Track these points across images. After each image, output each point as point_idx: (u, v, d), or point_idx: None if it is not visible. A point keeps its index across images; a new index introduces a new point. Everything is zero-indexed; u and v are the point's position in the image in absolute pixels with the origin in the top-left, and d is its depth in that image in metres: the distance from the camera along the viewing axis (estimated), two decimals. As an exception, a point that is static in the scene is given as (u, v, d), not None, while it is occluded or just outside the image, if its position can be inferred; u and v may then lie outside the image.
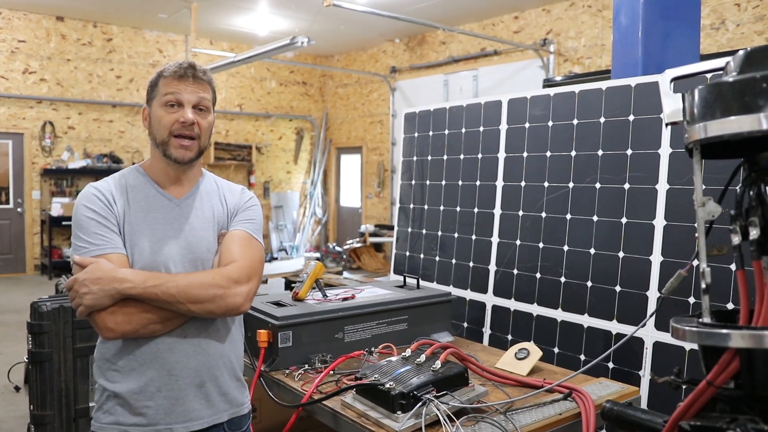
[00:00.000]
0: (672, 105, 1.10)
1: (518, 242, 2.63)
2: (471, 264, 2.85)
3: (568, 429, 1.68)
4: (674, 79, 1.17)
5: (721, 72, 1.04)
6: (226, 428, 1.58)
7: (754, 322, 0.91)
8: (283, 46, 6.82)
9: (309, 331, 2.08)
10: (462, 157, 2.97)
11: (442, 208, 3.06)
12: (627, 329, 2.15)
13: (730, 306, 1.89)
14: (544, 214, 2.53)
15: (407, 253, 3.25)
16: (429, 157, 3.17)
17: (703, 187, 1.03)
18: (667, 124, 1.13)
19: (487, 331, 2.72)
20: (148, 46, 10.23)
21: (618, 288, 2.23)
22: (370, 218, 11.07)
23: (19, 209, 9.41)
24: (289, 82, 11.92)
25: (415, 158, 3.27)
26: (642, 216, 2.19)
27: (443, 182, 3.07)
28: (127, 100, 10.03)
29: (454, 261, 2.95)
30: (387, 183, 10.75)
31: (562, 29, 8.06)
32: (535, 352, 2.05)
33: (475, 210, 2.86)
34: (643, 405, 2.05)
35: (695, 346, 1.06)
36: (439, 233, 3.06)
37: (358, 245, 8.43)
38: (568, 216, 2.44)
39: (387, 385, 1.57)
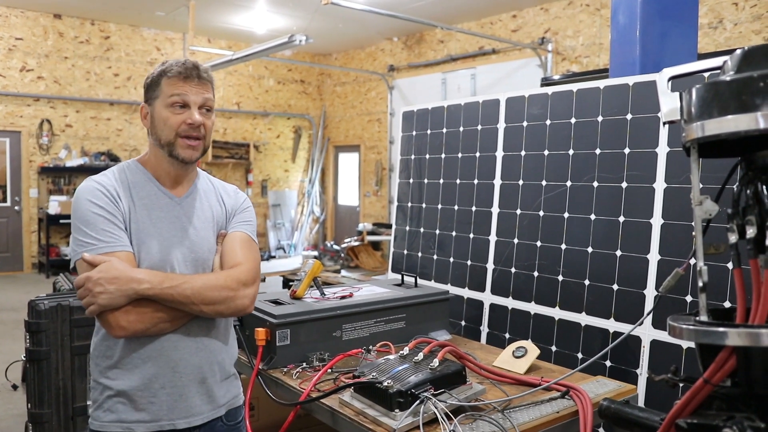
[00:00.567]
0: (669, 104, 1.10)
1: (516, 241, 2.63)
2: (469, 262, 2.85)
3: (566, 427, 1.68)
4: (672, 78, 1.18)
5: (718, 71, 1.04)
6: (224, 420, 1.61)
7: (750, 320, 0.92)
8: (281, 44, 6.81)
9: (307, 329, 2.08)
10: (460, 155, 2.97)
11: (439, 206, 3.07)
12: (624, 327, 2.16)
13: (727, 304, 1.90)
14: (541, 213, 2.54)
15: (405, 252, 3.25)
16: (427, 156, 3.18)
17: (701, 185, 1.03)
18: (664, 123, 1.13)
19: (484, 329, 2.72)
20: (145, 44, 10.21)
21: (615, 286, 2.24)
22: (367, 217, 11.07)
23: (16, 207, 9.39)
24: (287, 80, 11.90)
25: (413, 157, 3.27)
26: (639, 215, 2.19)
27: (441, 181, 3.07)
28: (125, 98, 10.01)
29: (451, 259, 2.95)
30: (385, 181, 10.75)
31: (560, 28, 8.06)
32: (533, 350, 2.06)
33: (473, 208, 2.87)
34: (641, 403, 2.05)
35: (692, 344, 1.07)
36: (437, 231, 3.06)
37: (356, 244, 8.43)
38: (566, 214, 2.44)
39: (385, 383, 1.57)
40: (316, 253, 10.02)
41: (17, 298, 7.43)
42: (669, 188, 2.12)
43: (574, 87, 2.48)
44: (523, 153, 2.65)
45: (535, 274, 2.53)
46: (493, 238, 2.75)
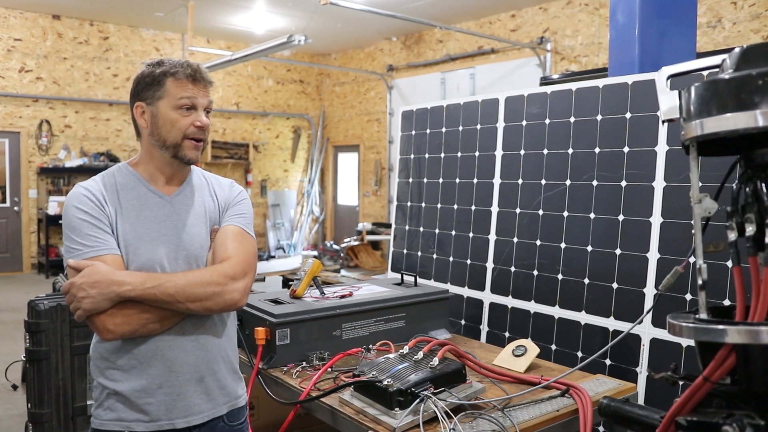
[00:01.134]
0: (668, 102, 1.10)
1: (515, 239, 2.63)
2: (468, 261, 2.85)
3: (566, 425, 1.68)
4: (671, 77, 1.18)
5: (717, 69, 1.04)
6: (225, 420, 1.60)
7: (750, 317, 0.92)
8: (280, 44, 6.81)
9: (307, 328, 2.08)
10: (459, 154, 2.97)
11: (439, 205, 3.07)
12: (624, 326, 2.16)
13: (726, 302, 1.90)
14: (541, 212, 2.54)
15: (405, 251, 3.25)
16: (426, 155, 3.18)
17: (700, 184, 1.04)
18: (663, 122, 1.13)
19: (484, 328, 2.72)
20: (144, 44, 10.21)
21: (615, 285, 2.24)
22: (367, 216, 11.07)
23: (15, 208, 9.39)
24: (286, 80, 11.90)
25: (412, 156, 3.27)
26: (639, 213, 2.20)
27: (440, 180, 3.07)
28: (124, 99, 9.99)
29: (451, 258, 2.95)
30: (384, 181, 10.75)
31: (559, 27, 8.06)
32: (533, 349, 2.06)
33: (473, 207, 2.87)
34: (640, 401, 2.05)
35: (692, 342, 1.07)
36: (437, 231, 3.06)
37: (356, 243, 8.43)
38: (566, 213, 2.44)
39: (385, 382, 1.57)
40: (315, 252, 10.03)
41: (17, 298, 7.43)
42: (668, 186, 2.12)
43: (573, 86, 2.48)
44: (522, 152, 2.66)
45: (535, 272, 2.53)
46: (492, 237, 2.75)
